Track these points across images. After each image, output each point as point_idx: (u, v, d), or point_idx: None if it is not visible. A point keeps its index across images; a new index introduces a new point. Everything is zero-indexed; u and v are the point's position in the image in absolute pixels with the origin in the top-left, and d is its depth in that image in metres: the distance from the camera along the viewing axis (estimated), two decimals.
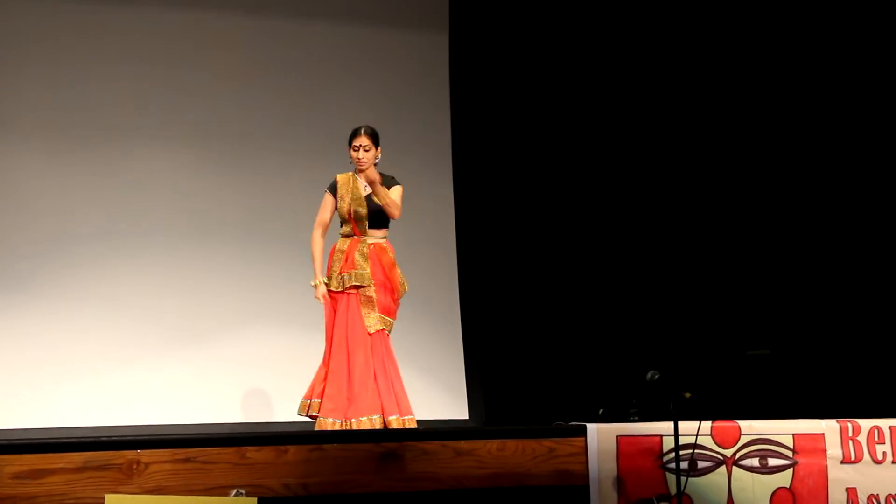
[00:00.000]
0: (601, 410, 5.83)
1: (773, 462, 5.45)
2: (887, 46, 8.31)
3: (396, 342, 6.55)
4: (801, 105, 8.58)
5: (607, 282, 8.71)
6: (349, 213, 6.56)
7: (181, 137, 8.24)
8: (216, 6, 8.40)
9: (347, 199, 6.58)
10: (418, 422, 6.32)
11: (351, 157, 6.59)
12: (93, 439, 4.74)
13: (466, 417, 8.37)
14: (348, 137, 6.59)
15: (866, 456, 5.57)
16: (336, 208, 6.63)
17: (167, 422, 7.62)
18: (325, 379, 6.39)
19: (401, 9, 8.83)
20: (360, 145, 6.54)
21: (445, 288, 8.56)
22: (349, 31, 8.68)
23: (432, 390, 8.16)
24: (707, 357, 8.22)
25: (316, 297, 6.57)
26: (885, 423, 5.65)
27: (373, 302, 6.42)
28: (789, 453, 5.47)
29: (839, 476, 5.50)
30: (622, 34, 8.88)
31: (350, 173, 6.65)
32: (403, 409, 6.30)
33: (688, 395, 5.02)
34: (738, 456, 5.41)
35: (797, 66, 8.61)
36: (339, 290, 6.48)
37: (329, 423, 6.21)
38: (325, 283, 6.53)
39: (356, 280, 6.45)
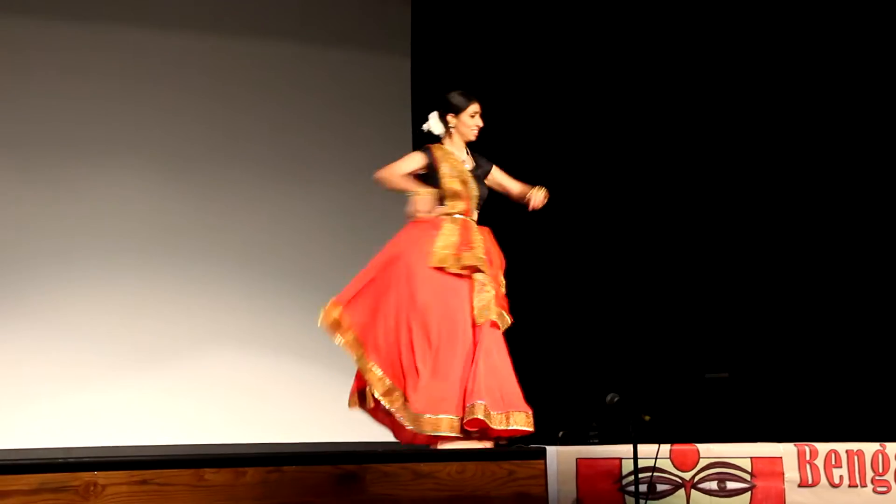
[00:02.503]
0: (561, 433, 5.82)
1: (731, 485, 5.46)
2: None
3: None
4: (760, 128, 8.64)
5: (565, 304, 8.73)
6: (463, 187, 5.81)
7: (142, 156, 8.22)
8: (180, 25, 8.40)
9: (457, 171, 5.81)
10: (381, 443, 6.11)
11: (466, 125, 5.87)
12: (48, 461, 4.67)
13: None
14: (454, 104, 5.90)
15: (823, 480, 5.59)
16: (429, 177, 5.82)
17: (125, 443, 7.56)
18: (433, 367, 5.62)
19: (363, 31, 8.86)
20: (478, 112, 5.89)
21: None
22: (312, 52, 8.70)
23: None
24: (666, 380, 8.24)
25: (413, 208, 5.73)
26: (842, 447, 5.68)
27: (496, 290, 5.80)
28: (747, 476, 5.49)
29: (796, 500, 5.52)
30: (585, 53, 8.93)
31: (441, 145, 5.89)
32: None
33: (647, 417, 5.03)
34: (696, 479, 5.42)
35: (747, 81, 8.68)
36: (454, 271, 5.71)
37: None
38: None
39: (479, 263, 5.73)
